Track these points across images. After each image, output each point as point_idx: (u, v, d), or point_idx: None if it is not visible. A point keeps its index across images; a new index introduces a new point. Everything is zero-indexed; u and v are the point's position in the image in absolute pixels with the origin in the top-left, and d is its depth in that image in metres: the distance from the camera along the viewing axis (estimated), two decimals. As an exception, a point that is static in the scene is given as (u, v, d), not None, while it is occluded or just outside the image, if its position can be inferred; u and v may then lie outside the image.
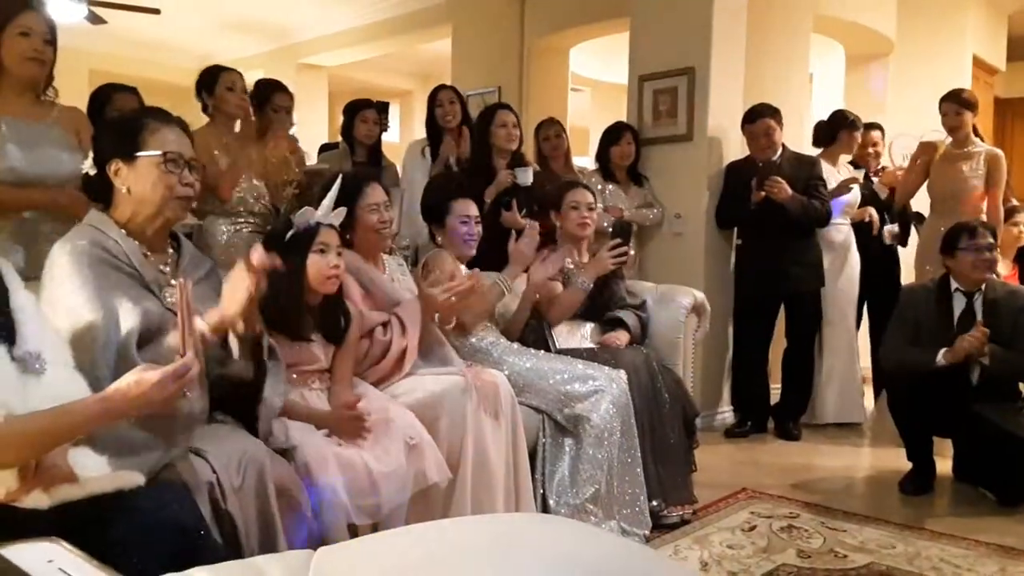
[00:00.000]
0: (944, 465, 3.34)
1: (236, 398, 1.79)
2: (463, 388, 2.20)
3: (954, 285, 3.23)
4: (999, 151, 4.10)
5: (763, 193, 3.82)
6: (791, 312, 4.07)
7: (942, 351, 3.05)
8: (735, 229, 4.21)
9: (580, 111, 6.95)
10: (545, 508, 2.44)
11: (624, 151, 4.08)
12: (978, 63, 6.21)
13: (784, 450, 3.82)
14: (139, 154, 1.71)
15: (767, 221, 3.89)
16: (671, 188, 4.20)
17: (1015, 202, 5.07)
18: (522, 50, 5.57)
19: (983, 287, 3.19)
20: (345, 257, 2.19)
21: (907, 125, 4.88)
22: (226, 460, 1.61)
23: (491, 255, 3.01)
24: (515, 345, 2.76)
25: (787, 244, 3.92)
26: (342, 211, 2.19)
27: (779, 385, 4.21)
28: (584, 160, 4.36)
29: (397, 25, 6.65)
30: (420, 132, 4.17)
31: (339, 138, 4.17)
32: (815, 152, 4.37)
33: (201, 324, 1.60)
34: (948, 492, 3.23)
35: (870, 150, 4.63)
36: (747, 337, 4.11)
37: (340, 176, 2.27)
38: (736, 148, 4.17)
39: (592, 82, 7.31)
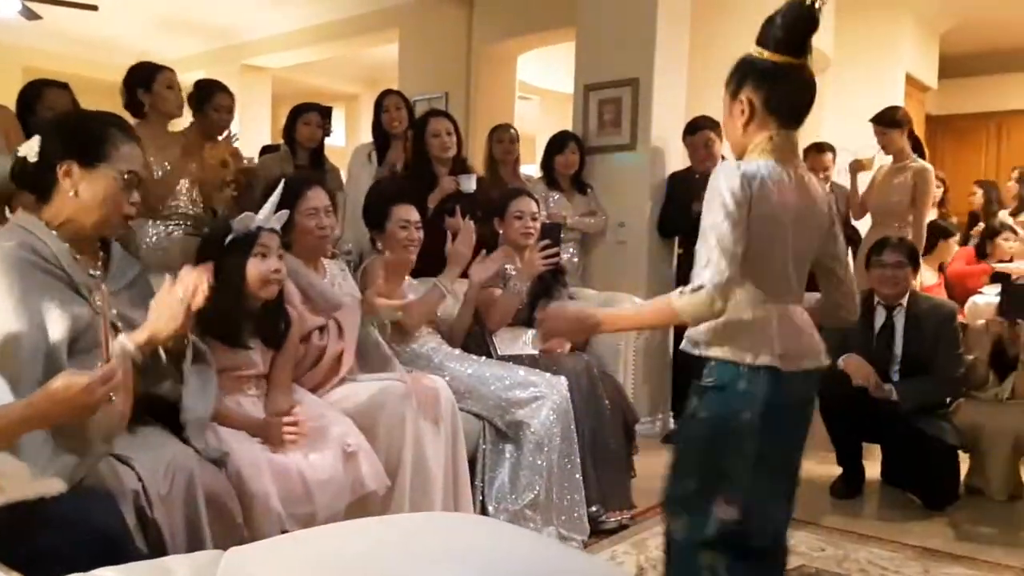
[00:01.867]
0: (873, 470, 3.45)
1: (163, 405, 1.75)
2: (402, 394, 2.19)
3: (876, 298, 3.35)
4: (927, 166, 4.25)
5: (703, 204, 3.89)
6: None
7: (842, 357, 3.17)
8: (677, 238, 4.28)
9: (528, 119, 7.00)
10: (484, 514, 2.44)
11: (568, 160, 4.12)
12: (911, 81, 6.47)
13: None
14: (101, 164, 1.67)
15: (707, 231, 3.96)
16: (615, 197, 4.26)
17: (955, 219, 5.29)
18: (469, 56, 5.59)
19: (904, 301, 3.30)
20: (284, 260, 2.16)
21: (844, 139, 5.03)
22: (152, 467, 1.57)
23: (435, 261, 3.01)
24: (456, 351, 2.76)
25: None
26: (284, 214, 2.17)
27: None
28: (531, 168, 4.39)
29: (343, 28, 6.60)
30: (366, 136, 4.15)
31: (282, 140, 4.12)
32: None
33: (126, 342, 1.56)
34: (877, 496, 3.33)
35: (821, 175, 4.49)
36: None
37: (283, 180, 2.24)
38: (679, 158, 4.25)
39: (541, 91, 7.37)
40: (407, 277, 2.69)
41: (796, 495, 1.76)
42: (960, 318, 3.92)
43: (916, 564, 2.56)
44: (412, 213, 2.74)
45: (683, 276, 4.20)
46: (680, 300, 1.53)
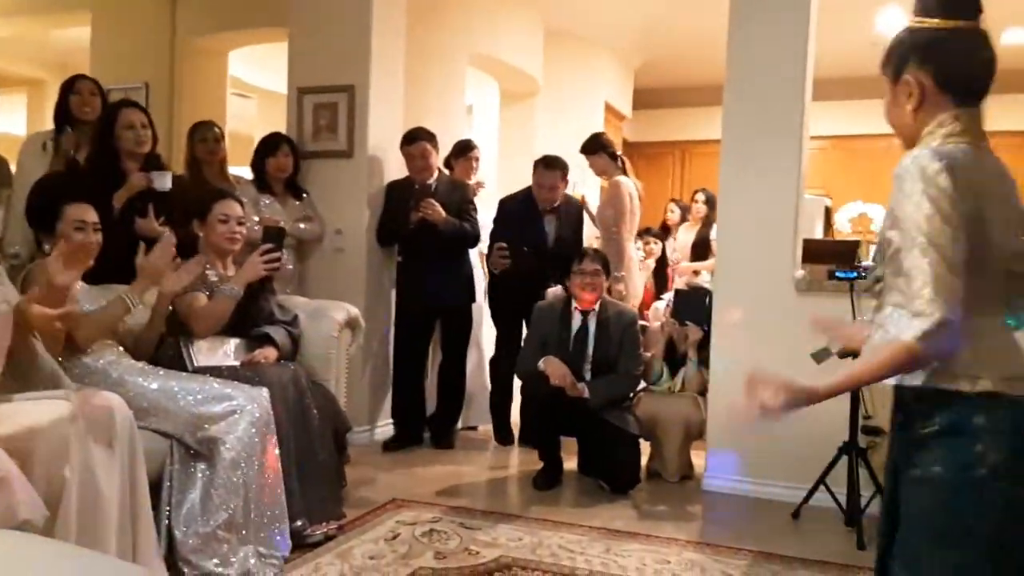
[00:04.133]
0: (571, 462, 3.74)
1: None
2: (67, 414, 1.95)
3: (574, 304, 3.65)
4: (615, 180, 4.66)
5: (420, 214, 3.97)
6: (445, 326, 4.28)
7: (542, 360, 3.46)
8: (396, 246, 4.32)
9: (246, 118, 6.66)
10: (171, 540, 2.25)
11: (281, 163, 3.97)
12: (610, 109, 7.16)
13: (438, 458, 3.99)
14: None
15: (423, 240, 4.05)
16: (332, 204, 4.19)
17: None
18: (173, 47, 5.19)
19: (597, 307, 3.64)
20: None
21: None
22: None
23: (122, 265, 2.73)
24: (140, 364, 2.52)
25: (441, 262, 4.12)
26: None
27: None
28: (246, 170, 4.16)
29: (25, 4, 5.79)
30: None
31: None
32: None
33: None
34: (574, 485, 3.62)
35: (547, 192, 4.73)
36: (405, 351, 4.23)
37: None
38: (396, 167, 4.30)
39: (259, 90, 7.05)
40: (80, 283, 2.40)
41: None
42: (643, 321, 4.41)
43: (600, 544, 2.82)
44: (89, 213, 2.46)
45: (400, 284, 4.25)
46: (911, 334, 1.20)
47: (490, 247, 4.21)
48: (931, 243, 1.22)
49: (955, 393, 1.25)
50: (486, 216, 4.37)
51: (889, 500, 1.42)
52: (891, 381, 1.32)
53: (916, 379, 1.28)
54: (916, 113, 1.37)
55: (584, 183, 5.51)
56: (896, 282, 1.30)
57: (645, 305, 5.12)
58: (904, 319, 1.25)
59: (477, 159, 4.59)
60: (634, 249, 4.81)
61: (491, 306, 4.37)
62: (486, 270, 4.38)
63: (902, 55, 1.38)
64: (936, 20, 1.35)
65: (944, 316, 1.19)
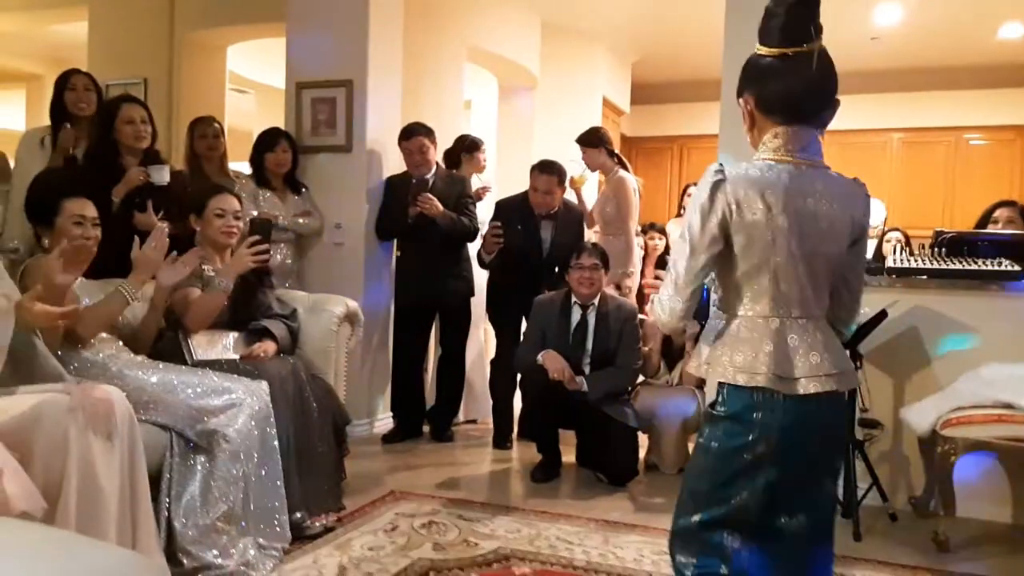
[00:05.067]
0: (570, 454, 3.76)
1: None
2: (66, 407, 1.96)
3: (573, 298, 3.66)
4: (619, 176, 4.66)
5: (418, 208, 3.98)
6: (444, 320, 4.29)
7: (541, 353, 3.48)
8: (395, 240, 4.33)
9: (245, 113, 6.65)
10: (171, 532, 2.26)
11: (279, 158, 3.98)
12: (607, 104, 7.16)
13: (437, 451, 4.01)
14: None
15: (422, 234, 4.06)
16: (331, 198, 4.20)
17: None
18: (172, 42, 5.19)
19: (596, 301, 3.65)
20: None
21: (551, 153, 5.42)
22: None
23: (121, 260, 2.74)
24: (139, 358, 2.54)
25: (440, 256, 4.12)
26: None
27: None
28: (244, 165, 4.17)
29: (22, -1, 5.79)
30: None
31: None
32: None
33: None
34: (572, 478, 3.64)
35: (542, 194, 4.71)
36: (404, 344, 4.24)
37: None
38: (395, 162, 4.30)
39: (257, 85, 7.05)
40: (80, 278, 2.41)
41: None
42: (643, 315, 4.42)
43: (598, 535, 2.83)
44: (87, 208, 2.46)
45: (399, 278, 4.27)
46: (655, 313, 1.57)
47: (484, 236, 4.14)
48: (675, 249, 1.54)
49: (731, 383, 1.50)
50: (484, 214, 4.37)
51: None
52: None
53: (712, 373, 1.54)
54: (751, 132, 1.57)
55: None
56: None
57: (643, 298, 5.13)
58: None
59: (485, 156, 4.61)
60: (636, 245, 4.82)
61: (489, 311, 4.32)
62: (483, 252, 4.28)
63: (740, 80, 1.56)
64: (766, 48, 1.50)
65: (660, 309, 1.56)
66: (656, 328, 4.00)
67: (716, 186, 1.46)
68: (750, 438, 1.47)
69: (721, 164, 1.50)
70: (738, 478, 1.49)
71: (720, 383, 1.52)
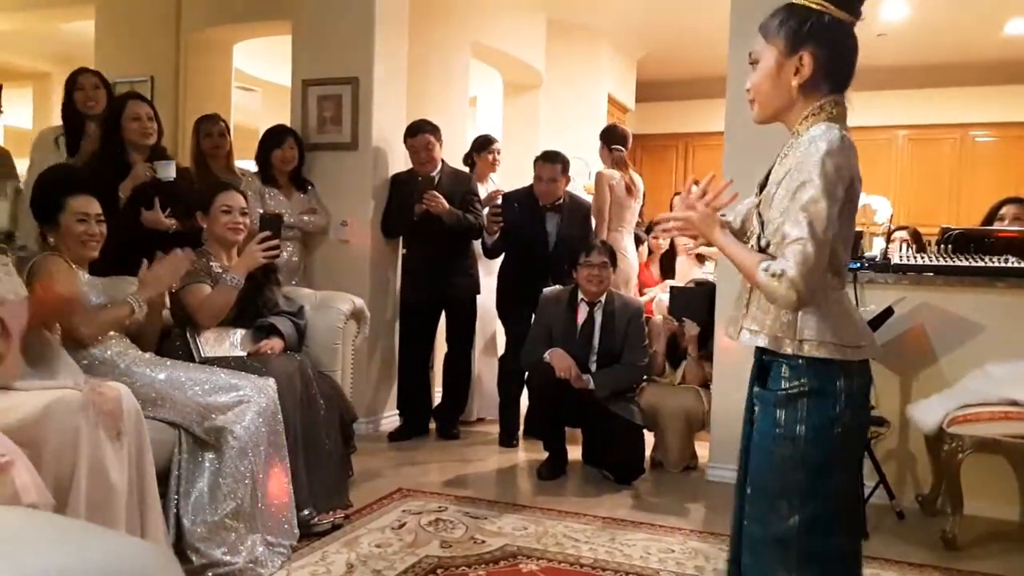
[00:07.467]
0: (576, 452, 3.76)
1: None
2: (77, 404, 1.97)
3: (580, 295, 3.66)
4: (598, 172, 4.69)
5: (424, 206, 3.98)
6: (450, 317, 4.29)
7: (548, 351, 3.47)
8: (401, 238, 4.34)
9: (251, 111, 6.68)
10: (180, 529, 2.27)
11: (286, 156, 3.99)
12: (613, 101, 7.16)
13: (443, 449, 4.01)
14: None
15: (428, 231, 4.06)
16: (337, 195, 4.21)
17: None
18: (179, 40, 5.20)
19: (603, 298, 3.65)
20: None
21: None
22: None
23: (127, 256, 2.75)
24: (147, 355, 2.55)
25: (446, 254, 4.13)
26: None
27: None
28: (250, 163, 4.18)
29: (30, -1, 5.81)
30: (59, 117, 3.66)
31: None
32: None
33: None
34: (578, 475, 3.64)
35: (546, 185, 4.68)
36: (410, 342, 4.25)
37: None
38: (401, 159, 4.31)
39: (263, 82, 7.06)
40: (86, 274, 2.42)
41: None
42: (647, 314, 4.42)
43: (604, 533, 2.84)
44: (92, 205, 2.47)
45: (405, 276, 4.28)
46: (762, 276, 1.37)
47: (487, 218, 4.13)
48: (809, 212, 1.33)
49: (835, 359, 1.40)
50: None
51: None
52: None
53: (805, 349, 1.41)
54: (800, 90, 1.42)
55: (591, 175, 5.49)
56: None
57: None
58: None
59: (498, 153, 4.62)
60: (629, 240, 4.80)
61: (499, 307, 4.32)
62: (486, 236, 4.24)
63: (800, 29, 1.41)
64: (835, 9, 1.39)
65: (786, 278, 1.33)
66: (660, 327, 4.00)
67: (850, 149, 1.36)
68: (837, 409, 1.40)
69: (840, 127, 1.38)
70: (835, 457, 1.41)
71: (799, 356, 1.40)
